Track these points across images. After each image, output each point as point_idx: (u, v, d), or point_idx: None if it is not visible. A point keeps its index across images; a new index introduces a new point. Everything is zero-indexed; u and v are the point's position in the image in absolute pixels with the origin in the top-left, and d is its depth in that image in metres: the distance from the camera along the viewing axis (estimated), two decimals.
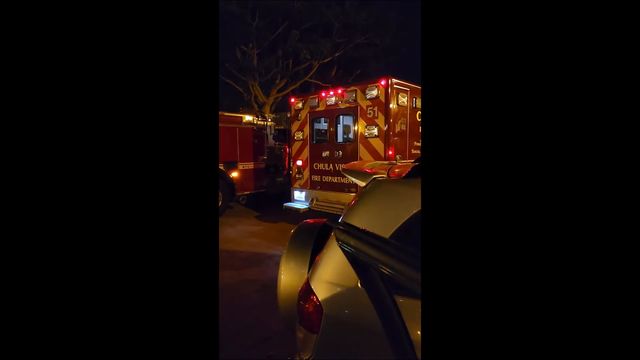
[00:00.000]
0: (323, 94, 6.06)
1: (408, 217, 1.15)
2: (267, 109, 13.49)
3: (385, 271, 0.51)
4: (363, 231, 0.59)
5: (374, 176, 1.36)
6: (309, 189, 6.31)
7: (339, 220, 1.35)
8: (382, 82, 5.19)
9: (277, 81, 13.87)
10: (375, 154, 5.35)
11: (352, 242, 0.58)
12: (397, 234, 1.15)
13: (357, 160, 5.46)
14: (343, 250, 0.60)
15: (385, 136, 5.23)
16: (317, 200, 6.13)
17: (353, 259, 0.59)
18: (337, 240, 0.61)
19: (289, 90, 13.85)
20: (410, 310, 0.91)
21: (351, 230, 0.60)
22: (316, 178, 6.20)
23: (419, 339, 0.98)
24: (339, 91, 5.78)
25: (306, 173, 6.36)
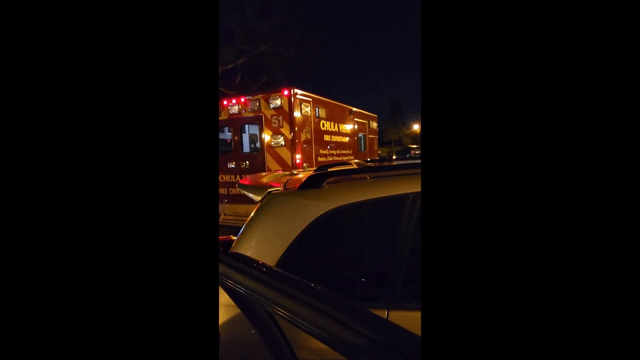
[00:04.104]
0: (225, 102, 5.83)
1: (303, 228, 1.17)
2: None
3: (262, 302, 0.49)
4: (239, 259, 0.56)
5: (269, 190, 1.34)
6: None
7: (238, 234, 1.30)
8: (285, 92, 5.27)
9: None
10: (282, 163, 5.38)
11: (232, 274, 0.55)
12: (292, 247, 1.15)
13: (265, 170, 5.40)
14: (220, 283, 0.57)
15: (291, 145, 5.31)
16: (225, 214, 5.82)
17: (230, 291, 0.56)
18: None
19: None
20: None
21: (229, 261, 0.57)
22: (223, 191, 5.89)
23: (304, 345, 0.99)
24: (242, 100, 5.65)
25: None
